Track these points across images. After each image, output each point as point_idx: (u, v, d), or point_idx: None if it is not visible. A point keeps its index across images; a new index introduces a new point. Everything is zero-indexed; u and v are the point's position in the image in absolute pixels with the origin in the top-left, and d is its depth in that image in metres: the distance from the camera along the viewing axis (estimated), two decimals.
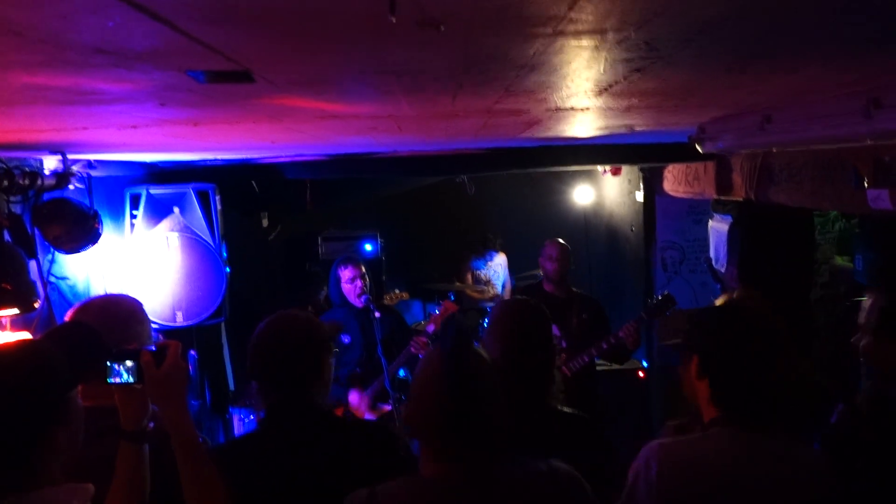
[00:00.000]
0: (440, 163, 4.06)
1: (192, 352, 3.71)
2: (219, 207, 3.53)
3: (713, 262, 3.83)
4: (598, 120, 2.37)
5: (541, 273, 4.17)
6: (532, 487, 1.42)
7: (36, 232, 2.68)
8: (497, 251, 6.38)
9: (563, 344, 3.73)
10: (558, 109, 1.95)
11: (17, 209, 2.58)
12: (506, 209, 6.67)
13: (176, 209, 3.42)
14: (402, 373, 4.09)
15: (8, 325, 2.44)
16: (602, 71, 1.31)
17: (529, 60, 1.18)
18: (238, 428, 4.11)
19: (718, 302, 2.03)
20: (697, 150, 3.07)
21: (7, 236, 2.43)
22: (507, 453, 1.43)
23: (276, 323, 1.86)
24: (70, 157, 2.79)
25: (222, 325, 4.45)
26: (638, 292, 5.29)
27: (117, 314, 1.86)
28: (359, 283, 3.90)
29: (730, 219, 3.57)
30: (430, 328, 3.92)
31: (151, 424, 1.62)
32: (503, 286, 6.38)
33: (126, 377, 1.57)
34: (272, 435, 1.82)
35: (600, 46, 1.08)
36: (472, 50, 1.08)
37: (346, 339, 3.92)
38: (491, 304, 5.73)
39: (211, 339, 4.46)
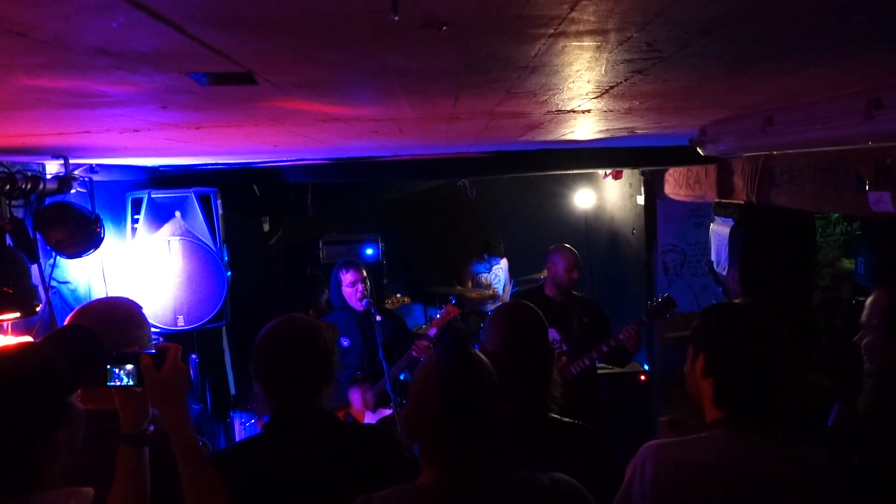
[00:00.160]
0: (441, 166, 4.06)
1: (193, 356, 3.71)
2: (220, 211, 3.54)
3: (714, 266, 3.83)
4: (600, 123, 2.37)
5: (542, 276, 4.17)
6: (533, 499, 1.41)
7: (38, 236, 2.68)
8: (501, 256, 6.38)
9: (564, 347, 3.72)
10: (559, 112, 1.96)
11: (19, 213, 2.59)
12: (507, 213, 6.68)
13: (177, 213, 3.42)
14: (402, 376, 4.09)
15: (9, 329, 2.44)
16: (603, 72, 1.31)
17: (531, 61, 1.18)
18: (239, 432, 4.11)
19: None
20: (698, 153, 3.07)
21: (9, 240, 2.44)
22: (508, 465, 1.42)
23: (280, 326, 1.86)
24: (72, 161, 2.80)
25: (223, 328, 4.45)
26: (639, 295, 5.28)
27: (116, 317, 1.86)
28: (360, 286, 3.90)
29: (731, 222, 3.57)
30: (432, 331, 3.92)
31: (152, 427, 1.62)
32: (504, 290, 6.38)
33: (126, 380, 1.57)
34: (277, 438, 1.82)
35: (602, 47, 1.09)
36: (473, 51, 1.08)
37: (345, 343, 3.92)
38: (492, 308, 5.72)
39: (212, 342, 4.46)
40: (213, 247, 3.43)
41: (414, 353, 3.75)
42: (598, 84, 1.47)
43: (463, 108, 1.82)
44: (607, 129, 2.64)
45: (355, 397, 3.84)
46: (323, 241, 5.91)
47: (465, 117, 2.03)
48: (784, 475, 1.53)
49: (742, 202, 3.32)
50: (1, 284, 2.24)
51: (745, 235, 3.42)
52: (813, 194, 2.57)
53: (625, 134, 2.80)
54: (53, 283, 2.86)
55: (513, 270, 6.48)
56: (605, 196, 6.35)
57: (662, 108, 1.99)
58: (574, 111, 1.95)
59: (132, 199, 3.43)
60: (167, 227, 3.37)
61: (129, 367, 1.57)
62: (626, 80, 1.41)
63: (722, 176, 3.53)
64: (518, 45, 1.06)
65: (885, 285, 1.85)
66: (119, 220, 3.47)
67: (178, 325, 3.35)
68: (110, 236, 3.13)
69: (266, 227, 5.44)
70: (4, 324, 2.39)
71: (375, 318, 3.73)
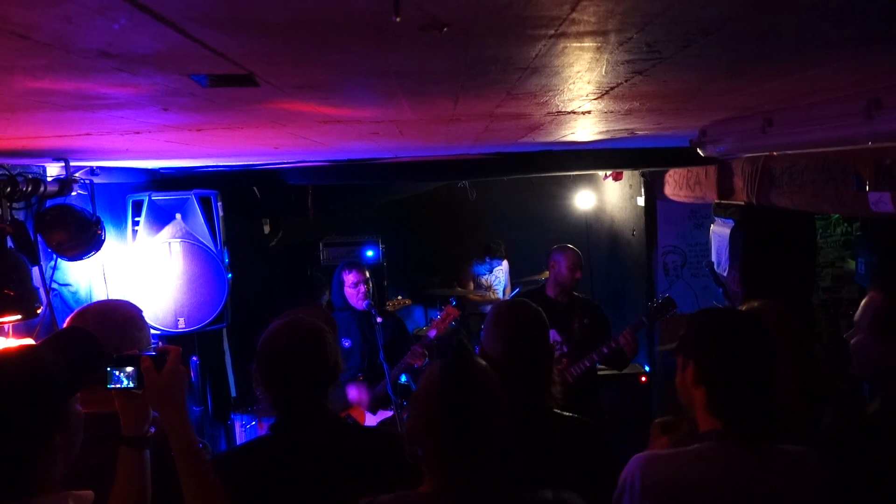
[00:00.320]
0: (441, 168, 4.07)
1: (194, 358, 3.71)
2: (221, 214, 3.54)
3: (715, 266, 3.83)
4: (600, 124, 2.37)
5: (542, 278, 4.17)
6: None
7: (39, 238, 2.69)
8: (502, 258, 6.38)
9: (565, 349, 3.72)
10: (560, 113, 1.96)
11: (20, 216, 2.59)
12: (507, 214, 6.68)
13: (178, 216, 3.42)
14: (403, 378, 4.09)
15: (10, 331, 2.44)
16: (603, 73, 1.31)
17: (531, 63, 1.18)
18: (240, 434, 4.11)
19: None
20: (698, 155, 3.07)
21: (10, 243, 2.44)
22: (511, 472, 1.41)
23: (286, 328, 1.86)
24: (73, 163, 2.80)
25: (224, 331, 4.46)
26: (639, 297, 5.29)
27: (114, 320, 1.86)
28: (362, 287, 3.91)
29: (731, 223, 3.57)
30: (432, 333, 3.92)
31: (153, 429, 1.62)
32: (504, 292, 6.39)
33: (126, 382, 1.57)
34: (285, 440, 1.82)
35: (602, 48, 1.09)
36: (474, 52, 1.08)
37: (346, 344, 3.92)
38: None
39: (213, 345, 4.46)
40: (213, 249, 3.43)
41: (409, 360, 3.75)
42: (598, 85, 1.47)
43: (463, 110, 1.82)
44: (607, 131, 2.65)
45: (352, 393, 3.84)
46: (323, 244, 5.91)
47: (465, 119, 2.03)
48: (777, 488, 1.50)
49: (742, 203, 3.32)
50: (2, 287, 2.25)
51: (746, 236, 3.42)
52: (813, 195, 2.57)
53: (625, 135, 2.80)
54: (54, 286, 2.86)
55: (513, 272, 6.48)
56: (606, 197, 6.35)
57: (662, 110, 1.99)
58: (574, 112, 1.95)
59: (133, 202, 3.43)
60: (168, 230, 3.38)
61: (130, 369, 1.57)
62: (626, 81, 1.41)
63: (722, 177, 3.53)
64: (518, 47, 1.06)
65: (880, 287, 1.84)
66: (120, 223, 3.47)
67: (179, 327, 3.35)
68: (111, 238, 3.14)
69: (266, 230, 5.44)
70: (5, 326, 2.39)
71: (376, 320, 3.73)
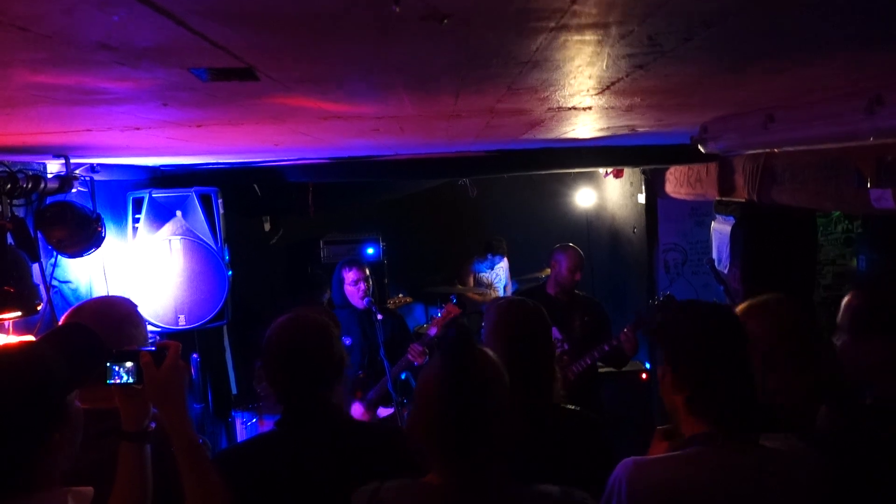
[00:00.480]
0: (442, 165, 4.06)
1: (195, 355, 3.71)
2: (221, 211, 3.54)
3: (716, 264, 3.83)
4: (601, 120, 2.37)
5: (543, 275, 4.17)
6: None
7: (39, 235, 2.69)
8: (503, 255, 6.39)
9: (566, 347, 3.72)
10: (560, 109, 1.95)
11: (20, 212, 2.59)
12: (508, 212, 6.68)
13: (178, 213, 3.42)
14: (403, 376, 4.09)
15: (10, 328, 2.44)
16: (604, 67, 1.31)
17: (532, 56, 1.18)
18: (240, 431, 4.10)
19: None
20: (699, 152, 3.06)
21: (10, 239, 2.44)
22: (518, 471, 1.41)
23: (291, 324, 1.86)
24: (73, 160, 2.80)
25: (224, 328, 4.45)
26: (640, 294, 5.29)
27: (112, 316, 1.85)
28: (362, 285, 3.91)
29: (732, 220, 3.56)
30: (433, 331, 3.92)
31: (153, 425, 1.62)
32: (504, 289, 6.38)
33: (126, 378, 1.56)
34: (292, 435, 1.82)
35: (603, 41, 1.08)
36: (474, 45, 1.08)
37: (347, 341, 3.92)
38: None
39: (213, 342, 4.46)
40: (214, 246, 3.43)
41: (409, 357, 3.75)
42: (599, 80, 1.47)
43: (464, 105, 1.81)
44: (608, 127, 2.64)
45: (357, 408, 3.84)
46: (324, 241, 5.92)
47: (466, 115, 2.03)
48: (773, 489, 1.48)
49: (743, 200, 3.32)
50: (2, 283, 2.25)
51: (747, 233, 3.42)
52: (814, 192, 2.57)
53: (626, 132, 2.80)
54: (54, 283, 2.86)
55: (514, 269, 6.48)
56: (606, 195, 6.35)
57: (663, 105, 1.99)
58: (575, 108, 1.95)
59: (133, 199, 3.43)
60: (168, 227, 3.38)
61: (129, 364, 1.57)
62: (627, 76, 1.41)
63: (723, 174, 3.52)
64: (519, 39, 1.06)
65: (858, 287, 1.83)
66: (120, 220, 3.47)
67: (179, 324, 3.35)
68: (111, 236, 3.13)
69: (267, 227, 5.44)
70: (6, 323, 2.39)
71: (377, 317, 3.73)
